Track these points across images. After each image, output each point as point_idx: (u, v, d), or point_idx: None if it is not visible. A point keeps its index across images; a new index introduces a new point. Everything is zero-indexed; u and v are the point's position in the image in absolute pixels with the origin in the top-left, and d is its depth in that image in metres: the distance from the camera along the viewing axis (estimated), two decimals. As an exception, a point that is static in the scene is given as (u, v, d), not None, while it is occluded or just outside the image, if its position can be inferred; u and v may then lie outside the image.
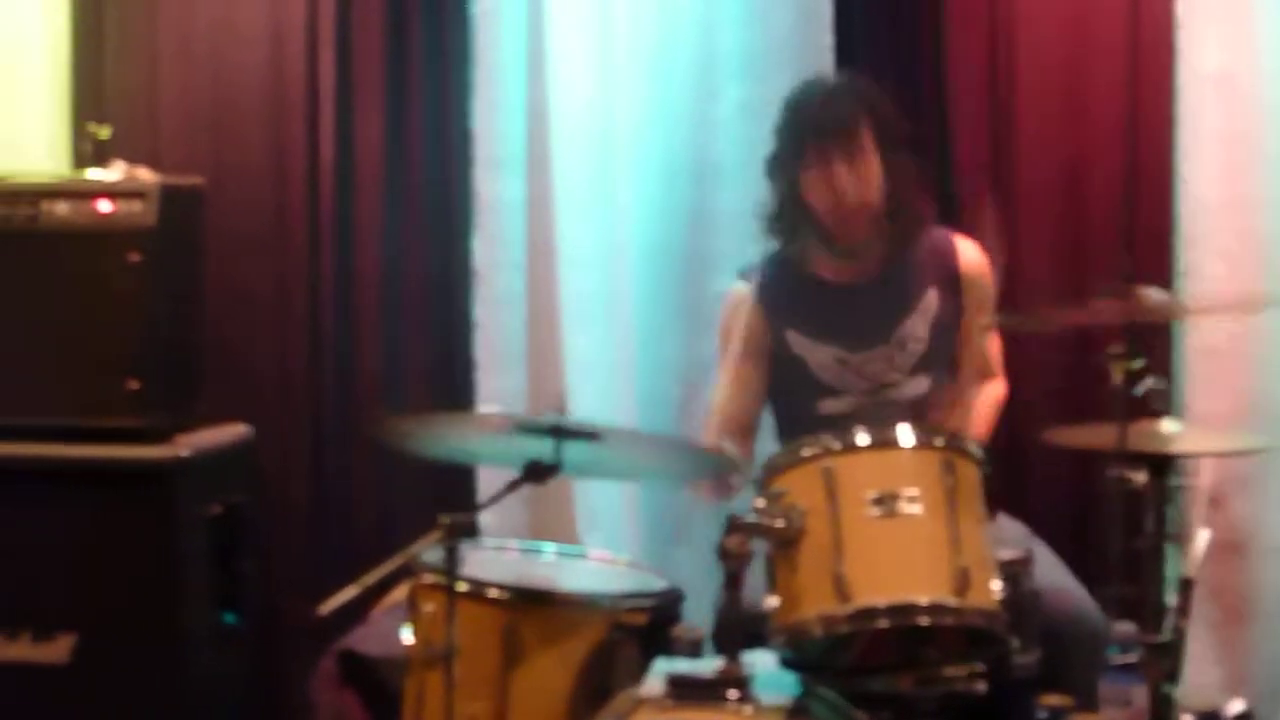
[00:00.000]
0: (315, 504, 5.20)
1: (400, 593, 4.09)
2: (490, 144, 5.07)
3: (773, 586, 3.44)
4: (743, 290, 4.37)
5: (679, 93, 5.09)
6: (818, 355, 4.29)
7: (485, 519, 4.67)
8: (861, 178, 4.21)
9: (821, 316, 4.30)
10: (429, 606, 3.77)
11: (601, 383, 5.01)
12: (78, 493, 4.62)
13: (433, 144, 5.17)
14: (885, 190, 4.24)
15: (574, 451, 3.65)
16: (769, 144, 4.38)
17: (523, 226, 5.08)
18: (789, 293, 4.32)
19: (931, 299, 4.33)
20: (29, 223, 4.69)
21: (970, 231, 4.41)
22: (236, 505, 4.88)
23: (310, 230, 5.19)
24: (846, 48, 4.96)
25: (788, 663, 3.47)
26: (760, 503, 3.44)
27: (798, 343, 4.30)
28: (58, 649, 4.63)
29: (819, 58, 4.92)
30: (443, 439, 4.12)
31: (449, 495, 4.81)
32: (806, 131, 4.24)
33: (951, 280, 4.35)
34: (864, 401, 4.25)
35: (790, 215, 4.32)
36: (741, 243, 4.81)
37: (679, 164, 5.09)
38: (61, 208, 4.69)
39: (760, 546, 3.43)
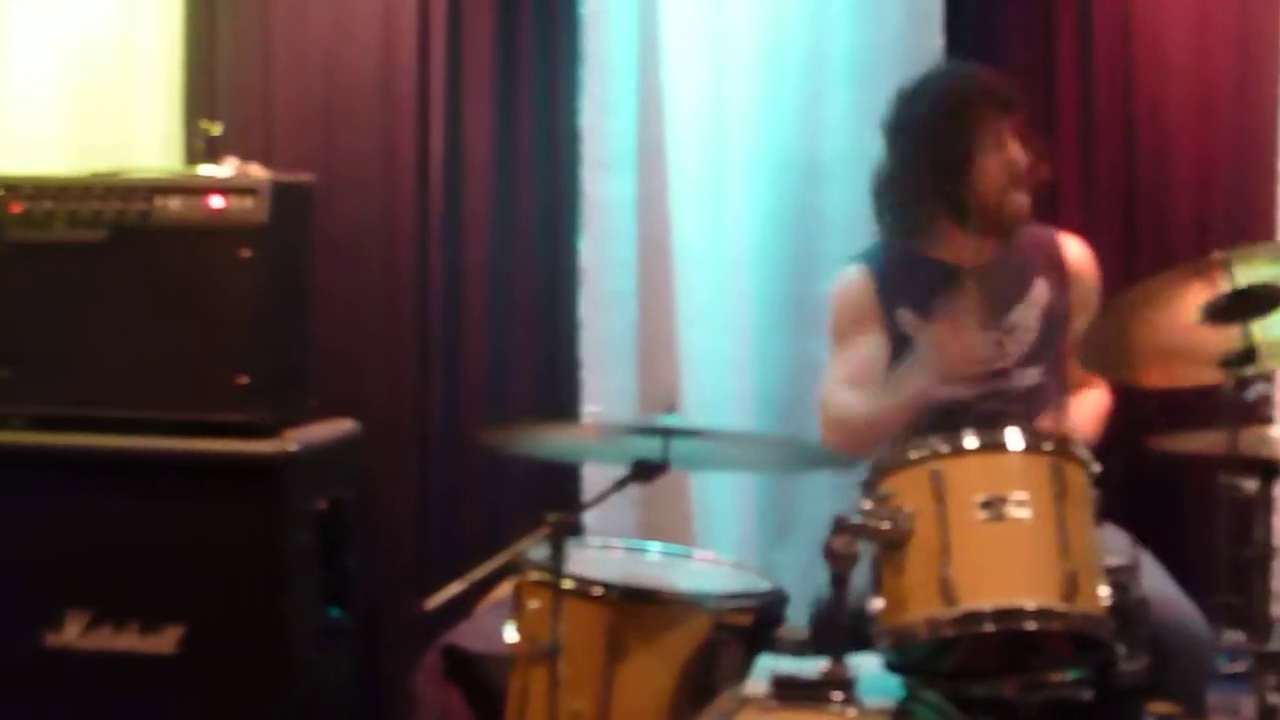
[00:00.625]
0: (421, 500, 5.23)
1: (504, 589, 4.11)
2: (599, 143, 5.09)
3: (878, 588, 3.43)
4: (855, 271, 4.37)
5: (789, 94, 5.09)
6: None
7: (591, 518, 4.68)
8: (1024, 155, 4.22)
9: (933, 296, 4.28)
10: (534, 603, 3.78)
11: (714, 381, 5.02)
12: (186, 486, 4.65)
13: (541, 143, 5.19)
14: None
15: (683, 448, 3.66)
16: (895, 132, 4.37)
17: (632, 225, 5.09)
18: (902, 272, 4.30)
19: (1041, 289, 4.31)
20: (142, 218, 4.72)
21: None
22: (343, 501, 4.90)
23: (419, 228, 5.21)
24: (957, 50, 4.93)
25: (892, 665, 3.46)
26: (867, 504, 3.43)
27: (908, 322, 4.27)
28: (165, 640, 4.66)
29: (929, 60, 4.89)
30: (549, 441, 4.15)
31: (554, 492, 4.83)
32: (981, 108, 4.24)
33: (1059, 273, 4.33)
34: (978, 390, 4.21)
35: (925, 197, 4.30)
36: (848, 245, 4.80)
37: (788, 165, 5.09)
38: (174, 203, 4.72)
39: (866, 548, 3.43)
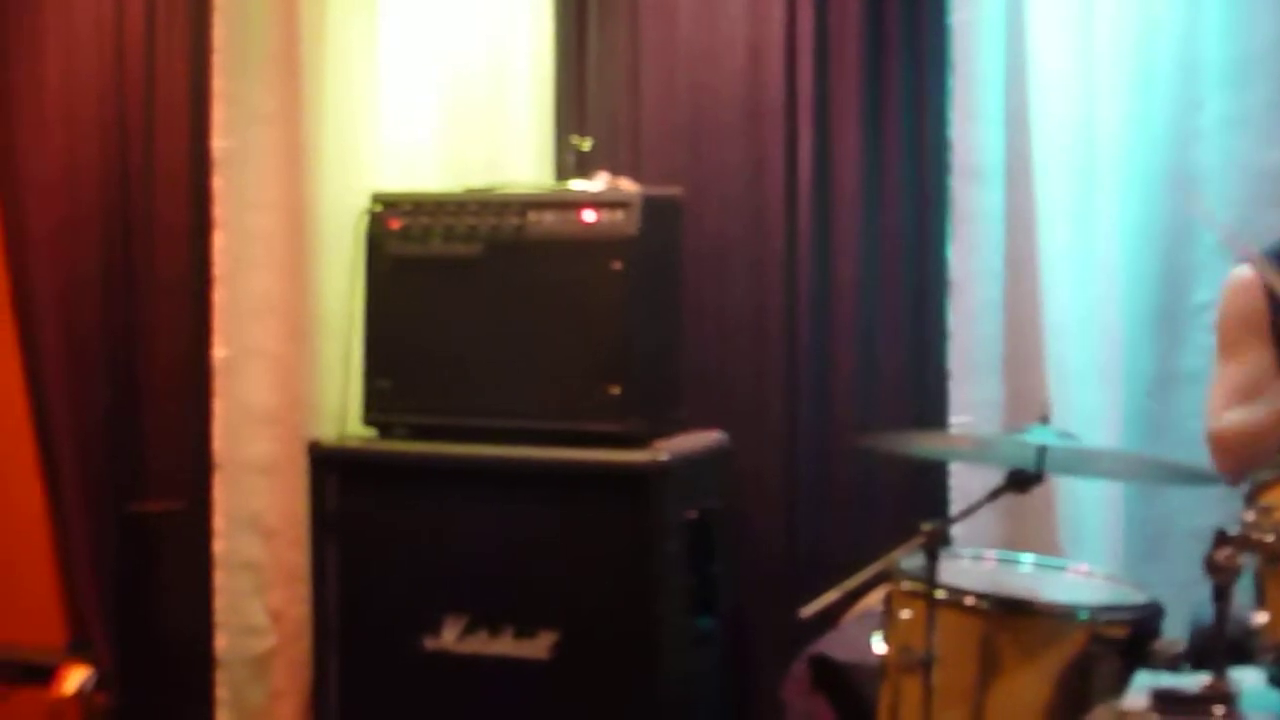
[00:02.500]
0: (788, 510, 5.24)
1: (870, 600, 4.12)
2: (968, 153, 5.02)
3: (1261, 602, 3.36)
4: (1245, 271, 4.25)
5: (1160, 103, 4.97)
6: None
7: (957, 529, 4.65)
8: None
9: None
10: (906, 613, 3.78)
11: (1082, 393, 4.93)
12: (561, 494, 4.76)
13: (909, 154, 5.18)
14: None
15: (1057, 459, 3.64)
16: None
17: (1000, 236, 5.03)
18: None
19: None
20: (516, 232, 4.84)
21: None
22: (712, 511, 4.95)
23: (788, 239, 5.23)
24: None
25: (1276, 680, 3.39)
26: (1249, 516, 3.36)
27: None
28: (539, 646, 4.76)
29: (1306, 67, 4.79)
30: (923, 450, 4.14)
31: (922, 503, 4.82)
32: None
33: None
34: None
35: None
36: (1220, 256, 4.70)
37: (1159, 175, 4.97)
38: (548, 217, 4.83)
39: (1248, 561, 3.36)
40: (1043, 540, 4.88)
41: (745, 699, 5.21)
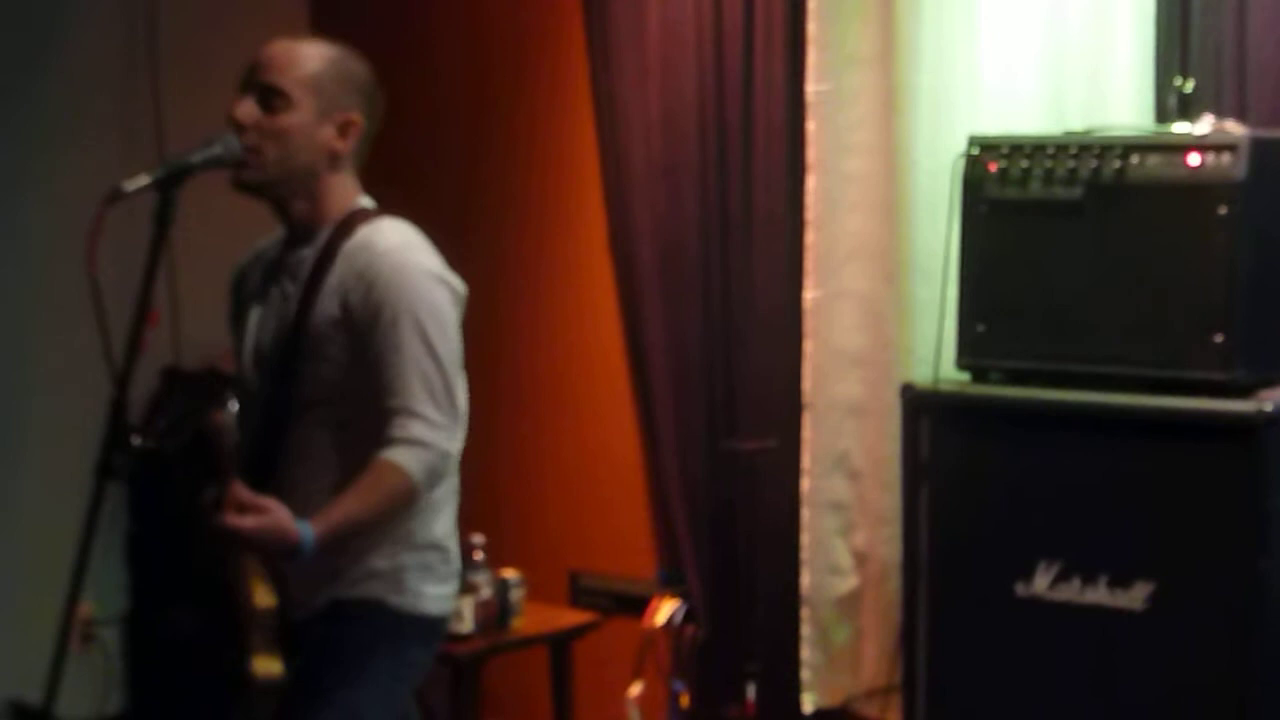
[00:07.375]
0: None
1: None
2: None
3: None
4: None
5: None
6: None
7: None
8: None
9: None
10: None
11: None
12: (1158, 443, 4.64)
13: None
14: None
15: None
16: None
17: None
18: None
19: None
20: (1117, 176, 4.75)
21: None
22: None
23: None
24: None
25: None
26: None
27: None
28: (1133, 597, 4.67)
29: None
30: None
31: None
32: None
33: None
34: None
35: None
36: None
37: None
38: (1151, 161, 4.71)
39: None
40: None
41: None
